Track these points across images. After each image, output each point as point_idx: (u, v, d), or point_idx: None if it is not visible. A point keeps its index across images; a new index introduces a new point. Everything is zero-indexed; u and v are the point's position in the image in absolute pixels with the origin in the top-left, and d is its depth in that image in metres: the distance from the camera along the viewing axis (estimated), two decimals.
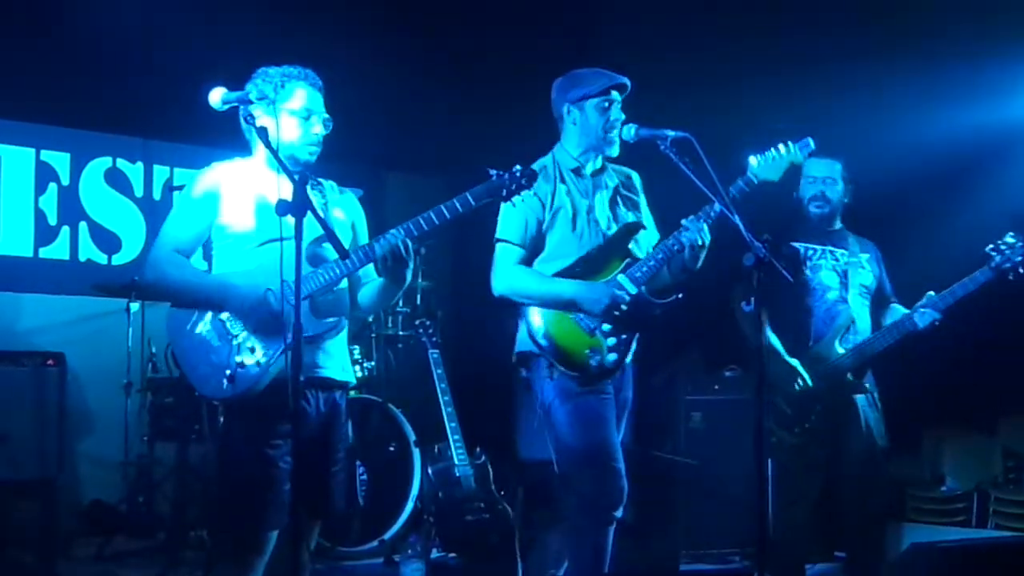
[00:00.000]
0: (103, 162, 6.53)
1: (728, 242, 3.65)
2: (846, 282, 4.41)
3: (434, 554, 5.36)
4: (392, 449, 5.53)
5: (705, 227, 3.56)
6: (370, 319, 5.82)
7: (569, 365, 3.61)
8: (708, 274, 3.71)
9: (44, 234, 6.31)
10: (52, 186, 6.34)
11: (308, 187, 3.31)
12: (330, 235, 2.99)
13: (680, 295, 3.64)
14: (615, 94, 3.72)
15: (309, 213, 2.91)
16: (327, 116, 3.30)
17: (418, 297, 6.10)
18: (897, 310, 4.46)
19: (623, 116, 3.71)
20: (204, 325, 3.20)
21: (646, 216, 3.88)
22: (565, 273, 3.68)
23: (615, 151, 3.77)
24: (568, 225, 3.70)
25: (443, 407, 5.45)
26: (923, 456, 6.30)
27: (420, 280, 6.04)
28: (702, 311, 4.19)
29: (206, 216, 3.26)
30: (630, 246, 3.74)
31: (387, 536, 5.36)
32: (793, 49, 5.46)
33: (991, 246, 4.25)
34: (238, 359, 3.14)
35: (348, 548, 5.26)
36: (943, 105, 5.35)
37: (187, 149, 6.52)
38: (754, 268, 3.37)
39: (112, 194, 6.54)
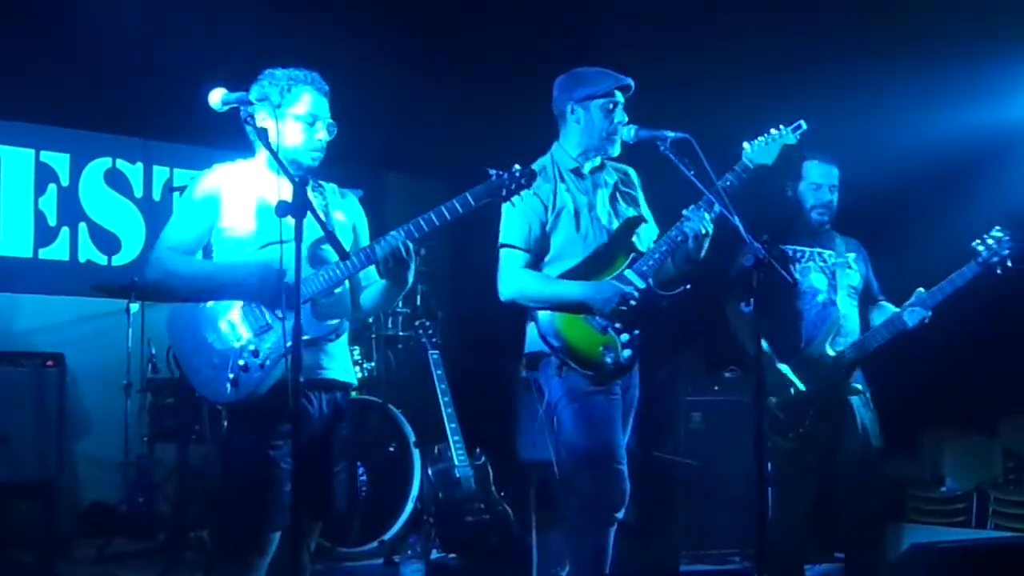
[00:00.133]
0: (103, 163, 6.52)
1: (723, 244, 3.66)
2: (834, 284, 4.41)
3: (434, 555, 5.36)
4: (392, 450, 5.53)
5: (707, 216, 3.56)
6: (370, 320, 5.82)
7: (584, 364, 3.59)
8: (708, 272, 3.71)
9: (44, 235, 6.31)
10: (52, 187, 6.34)
11: (309, 189, 3.32)
12: (330, 236, 2.99)
13: (687, 286, 3.64)
14: (619, 95, 3.72)
15: (309, 215, 2.91)
16: (332, 121, 3.30)
17: (418, 298, 6.10)
18: (886, 308, 4.47)
19: (626, 118, 3.70)
20: (206, 328, 3.19)
21: (645, 211, 3.87)
22: (572, 273, 3.67)
23: (616, 151, 3.77)
24: (572, 224, 3.69)
25: (443, 408, 5.45)
26: (923, 457, 6.30)
27: (420, 283, 6.04)
28: (703, 308, 4.19)
29: (207, 218, 3.25)
30: (633, 240, 3.73)
31: (387, 537, 5.36)
32: (792, 49, 5.47)
33: (977, 240, 4.26)
34: (240, 362, 3.13)
35: (348, 549, 5.26)
36: (942, 105, 5.35)
37: (187, 150, 6.53)
38: (753, 268, 3.37)
39: (112, 195, 6.54)
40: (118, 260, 6.52)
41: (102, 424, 6.03)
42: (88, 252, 6.44)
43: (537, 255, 3.69)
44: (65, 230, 6.38)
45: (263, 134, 3.04)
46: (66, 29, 5.56)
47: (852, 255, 4.51)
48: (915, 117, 5.41)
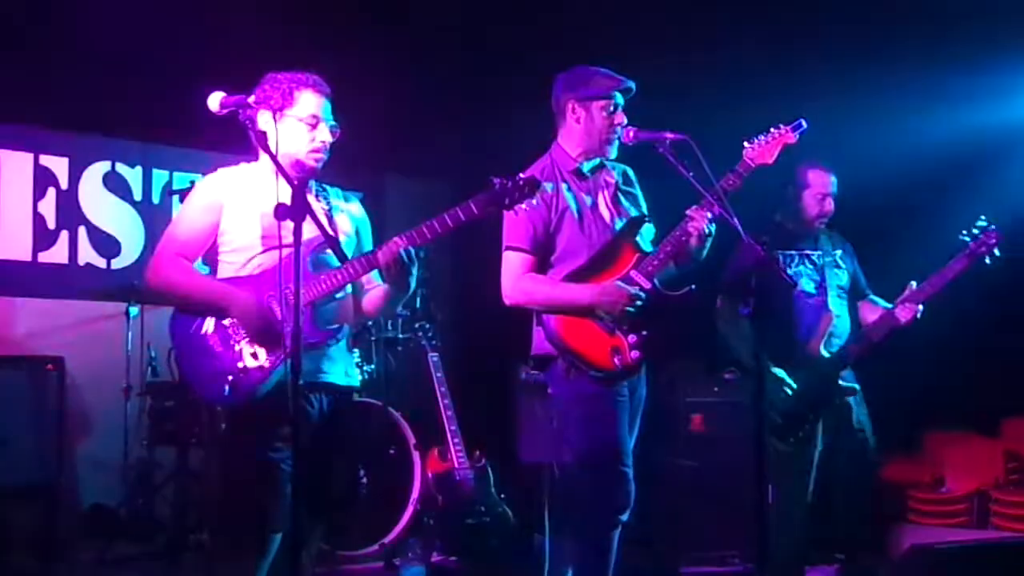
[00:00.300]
0: (102, 166, 6.52)
1: (719, 247, 3.66)
2: (824, 286, 4.42)
3: (434, 557, 5.36)
4: (392, 452, 5.52)
5: (709, 215, 3.55)
6: (369, 322, 5.82)
7: (592, 367, 3.58)
8: (708, 273, 3.71)
9: (43, 238, 6.30)
10: (51, 190, 6.33)
11: (313, 193, 3.33)
12: (329, 240, 2.99)
13: (693, 286, 3.63)
14: (619, 97, 3.71)
15: (310, 219, 2.91)
16: (334, 123, 3.30)
17: (418, 300, 6.10)
18: (876, 303, 4.47)
19: (626, 120, 3.70)
20: (208, 330, 3.20)
21: (646, 211, 3.87)
22: (577, 273, 3.65)
23: (613, 153, 3.76)
24: (576, 224, 3.67)
25: (443, 410, 5.45)
26: (924, 457, 6.30)
27: (420, 286, 6.04)
28: (702, 309, 4.20)
29: (209, 222, 3.26)
30: (637, 240, 3.72)
31: (387, 540, 5.35)
32: (791, 48, 5.47)
33: (964, 232, 4.27)
34: (241, 365, 3.14)
35: (349, 552, 5.25)
36: (942, 106, 5.36)
37: (186, 153, 6.52)
38: (752, 270, 3.37)
39: (111, 198, 6.53)
40: (117, 264, 6.51)
41: (102, 427, 6.02)
42: (87, 256, 6.44)
43: (542, 257, 3.67)
44: (64, 234, 6.37)
45: (262, 137, 3.04)
46: (65, 32, 5.56)
47: (839, 251, 4.51)
48: (915, 117, 5.42)
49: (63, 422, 5.22)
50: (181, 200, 5.92)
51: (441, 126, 6.61)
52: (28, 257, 6.25)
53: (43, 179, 6.32)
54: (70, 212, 6.38)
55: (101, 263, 6.47)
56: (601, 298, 3.56)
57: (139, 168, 6.63)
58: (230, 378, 3.13)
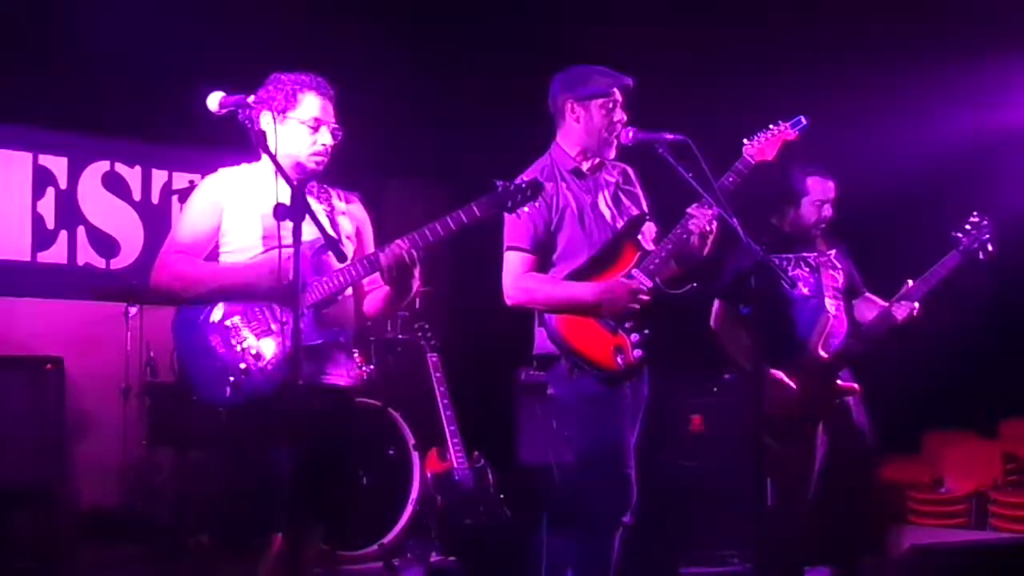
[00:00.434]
0: (101, 166, 6.52)
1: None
2: (820, 287, 4.41)
3: (433, 558, 5.36)
4: (391, 453, 5.52)
5: (710, 213, 3.55)
6: (369, 323, 5.82)
7: (595, 366, 3.57)
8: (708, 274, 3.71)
9: (42, 238, 6.29)
10: (50, 190, 6.33)
11: (315, 194, 3.32)
12: (329, 240, 2.99)
13: (695, 284, 3.62)
14: (618, 94, 3.70)
15: (310, 220, 2.91)
16: (336, 126, 3.30)
17: (417, 301, 6.09)
18: (872, 301, 4.47)
19: (625, 117, 3.69)
20: (209, 331, 3.19)
21: (645, 209, 3.86)
22: (578, 272, 3.64)
23: (613, 152, 3.75)
24: (577, 223, 3.66)
25: (442, 411, 5.46)
26: (923, 458, 6.31)
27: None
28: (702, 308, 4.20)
29: (211, 224, 3.27)
30: (639, 239, 3.71)
31: (387, 540, 5.35)
32: (790, 48, 5.48)
33: (957, 229, 4.28)
34: (242, 366, 3.14)
35: (348, 552, 5.25)
36: (942, 106, 5.37)
37: (186, 153, 6.51)
38: (752, 271, 3.37)
39: (110, 198, 6.53)
40: (117, 264, 6.51)
41: (101, 428, 6.01)
42: (86, 256, 6.43)
43: (543, 256, 3.66)
44: (63, 234, 6.37)
45: (260, 137, 3.04)
46: (64, 32, 5.55)
47: (832, 251, 4.51)
48: (914, 117, 5.43)
49: (62, 423, 5.22)
50: (180, 200, 5.97)
51: (441, 126, 6.60)
52: (27, 257, 6.24)
53: (42, 179, 6.31)
54: (69, 212, 6.38)
55: (100, 263, 6.46)
56: (604, 295, 3.55)
57: (138, 168, 6.62)
58: (231, 379, 3.13)
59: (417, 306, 6.01)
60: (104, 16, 5.26)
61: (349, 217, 3.42)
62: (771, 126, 3.71)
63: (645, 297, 3.54)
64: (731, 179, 3.61)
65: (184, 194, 5.71)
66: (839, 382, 4.32)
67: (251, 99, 3.08)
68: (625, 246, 3.67)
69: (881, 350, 4.34)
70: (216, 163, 3.38)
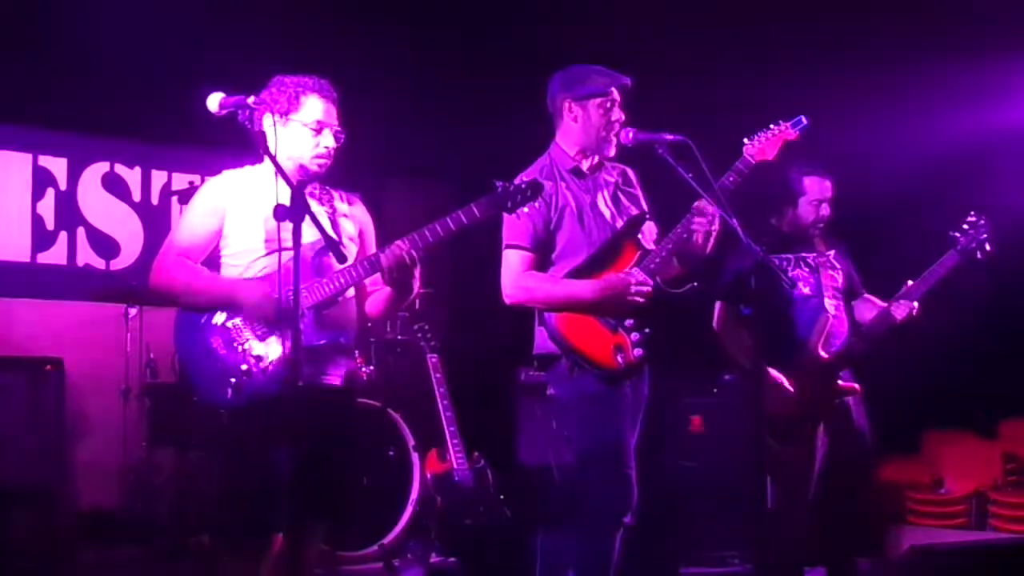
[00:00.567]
0: (101, 167, 6.51)
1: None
2: (820, 287, 4.41)
3: (433, 558, 5.36)
4: (391, 454, 5.52)
5: (711, 212, 3.54)
6: (369, 324, 5.82)
7: (596, 365, 3.56)
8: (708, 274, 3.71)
9: (41, 239, 6.29)
10: (49, 191, 6.33)
11: (316, 196, 3.32)
12: (329, 241, 2.99)
13: (696, 283, 3.62)
14: (616, 93, 3.70)
15: (310, 221, 2.90)
16: (339, 129, 3.29)
17: (417, 301, 6.09)
18: (871, 302, 4.47)
19: (624, 117, 3.69)
20: (211, 332, 3.20)
21: (645, 209, 3.86)
22: (579, 271, 3.63)
23: (612, 152, 3.75)
24: (576, 222, 3.65)
25: (442, 411, 5.45)
26: (922, 458, 6.31)
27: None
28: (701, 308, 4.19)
29: (212, 226, 3.27)
30: (639, 238, 3.70)
31: (387, 540, 5.35)
32: (790, 48, 5.48)
33: (954, 229, 4.28)
34: (244, 367, 3.14)
35: (348, 552, 5.25)
36: (941, 106, 5.37)
37: (185, 154, 6.52)
38: (752, 271, 3.36)
39: (110, 199, 6.53)
40: (116, 265, 6.51)
41: (101, 429, 6.01)
42: (86, 257, 6.43)
43: (542, 255, 3.65)
44: (63, 234, 6.37)
45: (260, 138, 3.04)
46: (64, 33, 5.55)
47: (831, 252, 4.51)
48: (914, 117, 5.43)
49: (62, 424, 5.21)
50: (180, 201, 5.96)
51: (441, 126, 6.60)
52: (27, 258, 6.25)
53: (42, 180, 6.31)
54: (69, 213, 6.38)
55: (100, 264, 6.46)
56: (604, 293, 3.54)
57: (138, 169, 6.62)
58: (233, 380, 3.13)
59: (417, 307, 6.01)
60: (104, 16, 5.26)
61: (351, 219, 3.42)
62: (771, 126, 3.70)
63: (646, 288, 3.53)
64: (731, 179, 3.61)
65: (184, 195, 5.70)
66: (840, 382, 4.32)
67: (251, 100, 3.07)
68: (625, 245, 3.66)
69: (880, 350, 4.34)
70: (216, 164, 3.38)
